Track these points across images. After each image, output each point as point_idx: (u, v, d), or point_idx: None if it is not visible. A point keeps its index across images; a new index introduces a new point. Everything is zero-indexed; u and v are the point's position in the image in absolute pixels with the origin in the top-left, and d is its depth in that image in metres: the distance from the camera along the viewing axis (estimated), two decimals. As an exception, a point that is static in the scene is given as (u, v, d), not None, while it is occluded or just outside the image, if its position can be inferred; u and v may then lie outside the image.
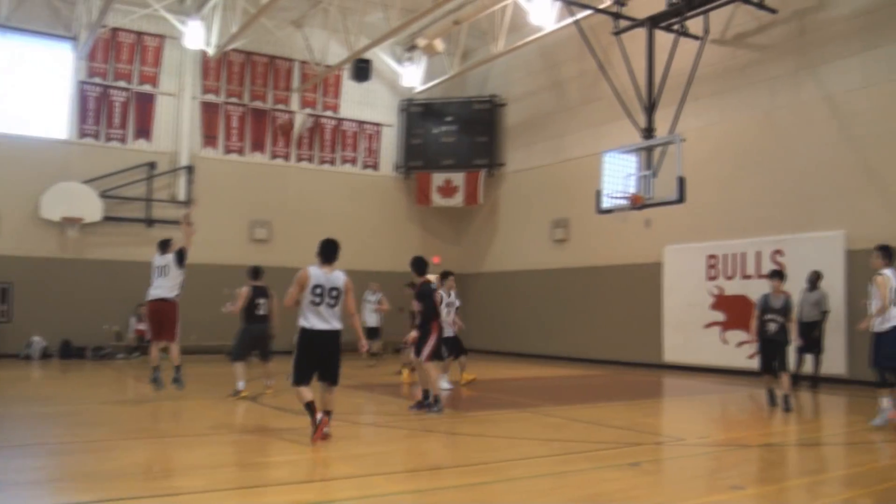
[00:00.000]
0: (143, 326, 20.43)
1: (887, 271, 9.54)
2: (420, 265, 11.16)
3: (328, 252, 8.48)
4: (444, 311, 12.54)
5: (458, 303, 13.85)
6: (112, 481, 6.48)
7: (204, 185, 22.01)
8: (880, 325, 9.32)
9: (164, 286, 11.71)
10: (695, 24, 16.56)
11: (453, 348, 13.66)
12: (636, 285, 19.37)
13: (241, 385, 12.14)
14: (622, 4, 17.10)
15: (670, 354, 18.49)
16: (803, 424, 11.05)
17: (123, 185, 21.05)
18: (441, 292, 12.80)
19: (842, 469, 7.76)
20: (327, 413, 8.29)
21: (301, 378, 8.30)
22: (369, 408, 11.87)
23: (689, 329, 17.95)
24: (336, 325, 8.32)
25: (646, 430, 10.16)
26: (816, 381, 14.44)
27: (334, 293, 8.29)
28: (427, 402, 10.80)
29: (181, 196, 21.76)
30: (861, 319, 14.55)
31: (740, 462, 7.96)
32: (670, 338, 18.52)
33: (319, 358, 8.32)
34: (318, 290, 8.21)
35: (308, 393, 8.26)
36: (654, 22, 16.36)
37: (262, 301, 12.57)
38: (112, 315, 20.57)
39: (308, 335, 8.26)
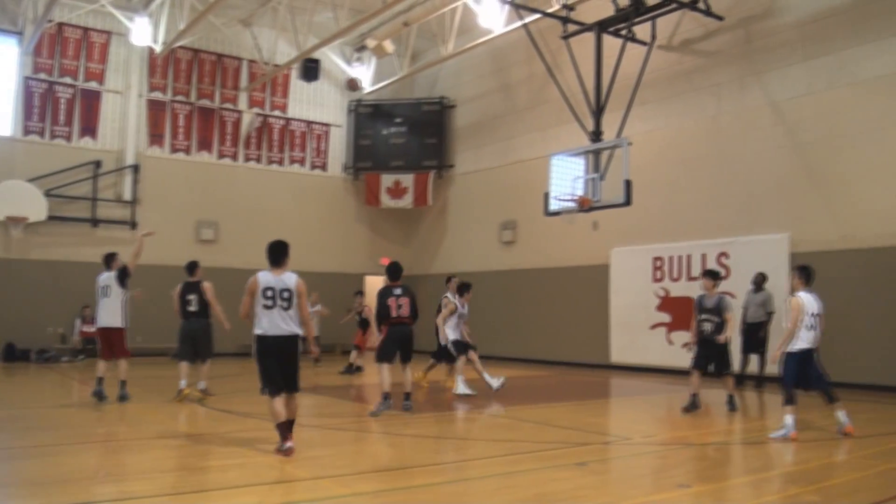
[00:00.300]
0: (88, 329, 20.09)
1: (803, 294, 9.64)
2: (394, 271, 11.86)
3: (276, 254, 8.14)
4: (455, 321, 13.60)
5: (466, 313, 14.01)
6: (58, 487, 6.32)
7: (150, 185, 21.71)
8: (791, 345, 9.50)
9: (108, 311, 11.66)
10: (642, 30, 16.76)
11: (443, 354, 13.92)
12: (584, 287, 19.53)
13: (182, 384, 11.94)
14: (570, 9, 17.24)
15: (617, 355, 18.68)
16: (748, 423, 11.23)
17: (68, 184, 20.64)
18: (456, 302, 13.64)
19: (786, 466, 7.89)
20: (290, 423, 7.84)
21: (272, 387, 7.82)
22: (318, 410, 11.77)
23: (635, 330, 18.15)
24: (293, 328, 7.94)
25: (593, 429, 10.23)
26: (762, 381, 14.69)
27: (286, 294, 7.92)
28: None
29: (127, 195, 21.41)
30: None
31: (686, 461, 8.06)
32: (617, 339, 18.71)
33: (278, 365, 7.89)
34: (270, 293, 7.87)
35: (282, 410, 7.75)
36: (601, 27, 16.50)
37: (192, 297, 12.23)
38: (57, 317, 20.13)
39: (264, 342, 7.89)
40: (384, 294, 11.67)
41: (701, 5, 16.33)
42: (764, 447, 9.07)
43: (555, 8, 17.55)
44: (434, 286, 24.77)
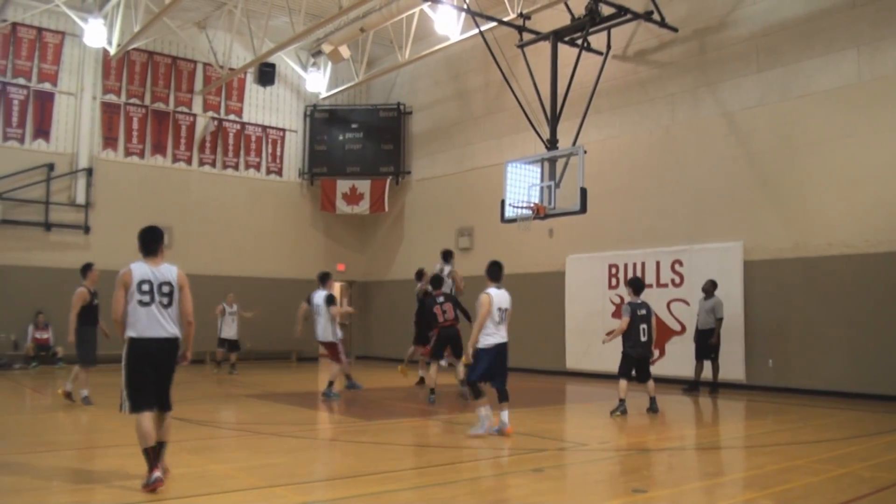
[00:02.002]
0: (41, 335, 19.66)
1: (492, 290, 9.95)
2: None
3: (151, 242, 6.85)
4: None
5: None
6: (10, 497, 6.17)
7: (104, 189, 21.37)
8: (483, 341, 9.69)
9: (320, 327, 13.95)
10: (598, 40, 16.88)
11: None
12: (540, 293, 19.59)
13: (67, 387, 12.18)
14: (527, 18, 17.33)
15: (573, 361, 18.76)
16: (703, 429, 11.36)
17: (21, 188, 20.21)
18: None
19: (741, 472, 7.98)
20: (160, 445, 6.59)
21: (139, 402, 6.58)
22: (272, 417, 11.64)
23: (590, 337, 18.23)
24: (173, 331, 6.73)
25: (549, 435, 10.26)
26: (715, 387, 14.87)
27: (166, 289, 6.72)
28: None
29: (80, 199, 21.02)
30: (760, 327, 15.12)
31: (641, 466, 8.11)
32: (573, 345, 18.80)
33: (153, 374, 6.67)
34: (146, 287, 6.63)
35: (150, 431, 6.51)
36: (557, 36, 16.58)
37: (96, 302, 12.20)
38: (8, 323, 19.68)
39: (137, 346, 6.62)
40: (429, 303, 13.28)
41: (656, 17, 16.52)
42: (718, 452, 9.18)
43: (511, 17, 17.63)
44: (391, 293, 24.76)
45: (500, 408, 9.61)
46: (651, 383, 12.10)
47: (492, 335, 9.69)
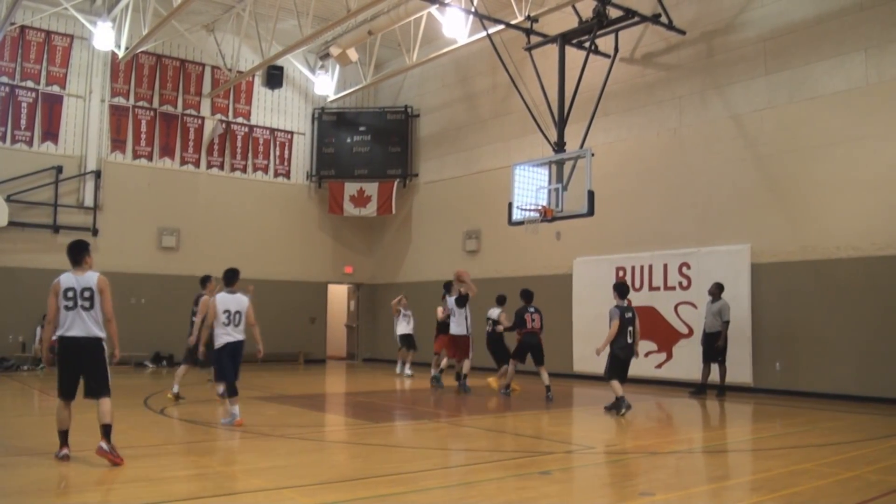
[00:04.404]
0: (53, 337, 19.70)
1: (220, 294, 10.45)
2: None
3: (75, 254, 7.83)
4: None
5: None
6: (15, 498, 6.20)
7: (112, 191, 21.45)
8: (217, 341, 10.29)
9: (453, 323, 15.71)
10: (605, 43, 16.91)
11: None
12: (547, 296, 19.50)
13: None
14: (534, 21, 17.34)
15: (580, 364, 18.74)
16: (710, 432, 11.34)
17: (29, 190, 20.29)
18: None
19: (748, 475, 7.96)
20: (106, 428, 7.48)
21: (60, 391, 7.68)
22: (279, 419, 11.67)
23: (598, 339, 18.13)
24: (94, 331, 7.65)
25: (556, 438, 10.26)
26: (722, 390, 14.84)
27: (87, 294, 7.65)
28: None
29: (88, 202, 21.09)
30: (763, 330, 15.09)
31: (649, 469, 8.10)
32: (580, 348, 18.77)
33: (78, 369, 7.69)
34: (71, 294, 7.62)
35: (65, 418, 7.63)
36: (565, 39, 16.61)
37: None
38: (17, 325, 19.74)
39: (62, 344, 7.66)
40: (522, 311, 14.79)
41: (663, 19, 16.53)
42: (726, 456, 9.17)
43: (519, 19, 17.64)
44: (398, 295, 24.74)
45: (232, 402, 10.28)
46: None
47: (220, 336, 10.30)
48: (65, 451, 7.54)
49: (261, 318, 21.38)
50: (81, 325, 7.62)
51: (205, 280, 13.55)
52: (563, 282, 19.23)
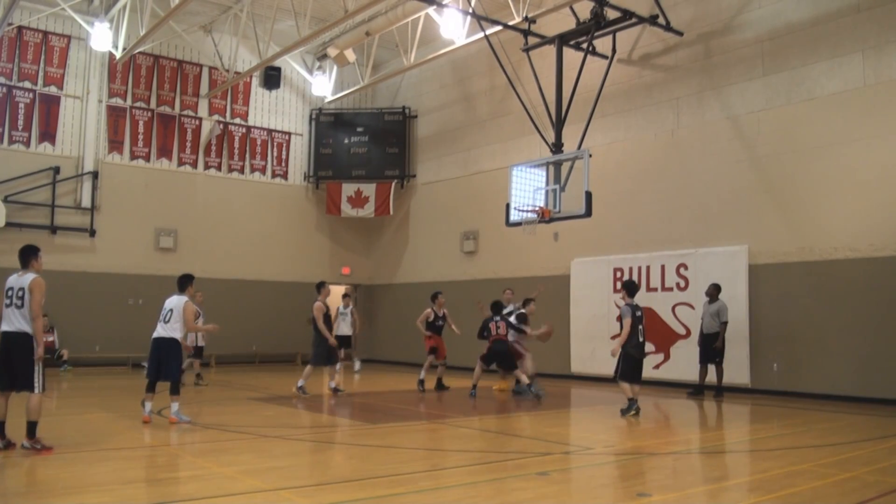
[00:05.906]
0: (46, 338, 19.67)
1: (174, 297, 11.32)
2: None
3: (22, 256, 8.68)
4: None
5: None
6: (15, 499, 6.19)
7: (109, 192, 21.43)
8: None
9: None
10: (603, 44, 16.93)
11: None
12: (545, 297, 19.52)
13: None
14: (532, 22, 17.34)
15: (577, 365, 18.76)
16: (708, 433, 11.34)
17: (26, 191, 20.26)
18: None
19: (746, 475, 7.97)
20: (30, 424, 8.20)
21: None
22: (277, 420, 11.67)
23: (595, 340, 18.25)
24: (20, 326, 8.27)
25: (554, 439, 10.26)
26: (720, 391, 14.85)
27: (20, 293, 8.35)
28: None
29: (85, 202, 21.06)
30: (762, 331, 15.11)
31: (647, 470, 8.11)
32: (577, 349, 18.80)
33: (9, 362, 8.27)
34: (10, 293, 8.37)
35: (2, 408, 8.28)
36: (562, 40, 16.61)
37: (330, 313, 13.59)
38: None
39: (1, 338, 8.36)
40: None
41: (661, 21, 16.55)
42: (723, 456, 9.18)
43: (516, 20, 17.64)
44: (396, 296, 24.78)
45: (172, 399, 10.62)
46: (638, 386, 12.34)
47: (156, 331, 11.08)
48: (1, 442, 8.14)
49: (259, 318, 21.46)
50: (12, 320, 8.27)
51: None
52: (561, 283, 19.24)
